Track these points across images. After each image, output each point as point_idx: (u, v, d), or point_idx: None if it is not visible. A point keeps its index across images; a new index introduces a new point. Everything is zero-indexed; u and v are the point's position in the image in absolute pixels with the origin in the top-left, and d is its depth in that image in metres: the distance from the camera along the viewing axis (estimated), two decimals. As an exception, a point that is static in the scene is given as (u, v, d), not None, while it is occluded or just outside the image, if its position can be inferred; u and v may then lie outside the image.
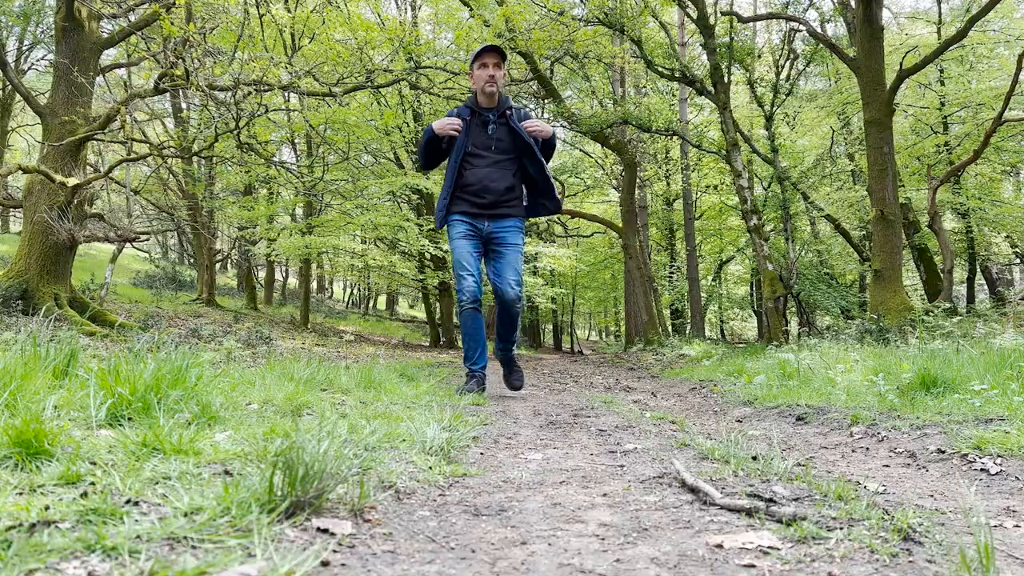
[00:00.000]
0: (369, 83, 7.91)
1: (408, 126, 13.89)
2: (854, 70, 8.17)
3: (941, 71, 13.15)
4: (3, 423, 1.29)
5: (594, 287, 23.00)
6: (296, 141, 15.09)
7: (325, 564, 0.88)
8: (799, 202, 13.37)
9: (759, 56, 14.88)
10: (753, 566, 0.93)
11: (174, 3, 6.16)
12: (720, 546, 1.01)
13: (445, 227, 3.80)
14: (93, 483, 1.11)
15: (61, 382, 2.05)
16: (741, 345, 12.33)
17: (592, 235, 21.08)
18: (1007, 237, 15.45)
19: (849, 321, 10.63)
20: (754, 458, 1.66)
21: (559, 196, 3.86)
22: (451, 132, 3.63)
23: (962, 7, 12.96)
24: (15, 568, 0.77)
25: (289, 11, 8.38)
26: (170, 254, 26.43)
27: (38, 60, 16.60)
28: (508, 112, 3.75)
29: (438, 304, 16.16)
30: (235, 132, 6.81)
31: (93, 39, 7.37)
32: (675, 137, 14.14)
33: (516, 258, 3.73)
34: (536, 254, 14.77)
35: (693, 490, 1.35)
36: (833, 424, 2.42)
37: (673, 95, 16.81)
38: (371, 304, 28.93)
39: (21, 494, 1.05)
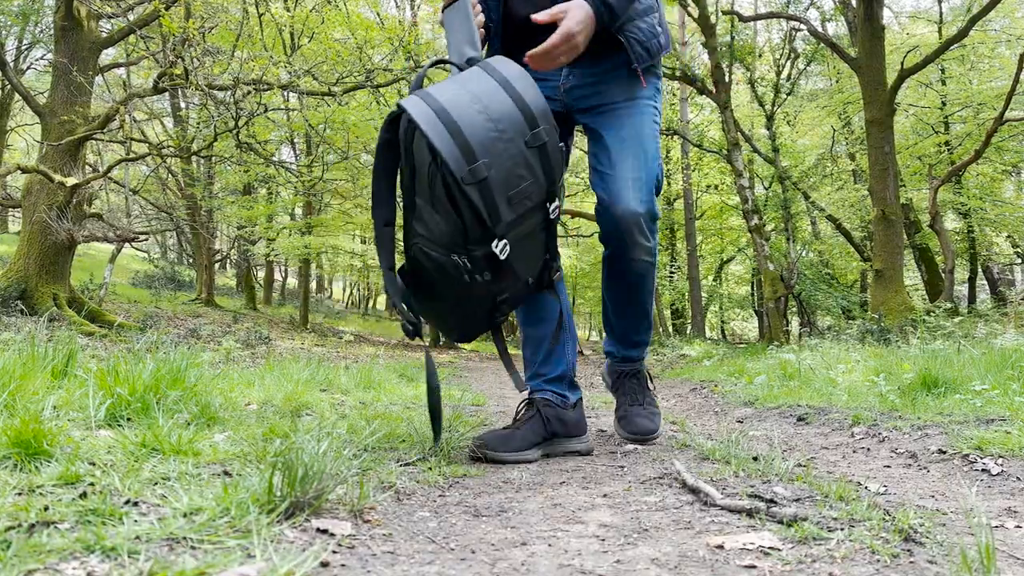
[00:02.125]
0: (368, 83, 7.91)
1: (408, 125, 13.87)
2: (855, 69, 8.17)
3: (942, 71, 13.16)
4: (2, 423, 1.28)
5: (594, 287, 22.99)
6: (295, 140, 15.09)
7: (325, 565, 0.88)
8: (800, 202, 13.37)
9: (760, 55, 14.89)
10: (754, 567, 0.93)
11: (174, 1, 6.16)
12: (721, 547, 1.01)
13: None
14: (92, 483, 1.11)
15: (60, 382, 2.05)
16: (742, 345, 12.33)
17: (592, 235, 21.04)
18: (1008, 237, 15.45)
19: (850, 321, 10.63)
20: (755, 459, 1.66)
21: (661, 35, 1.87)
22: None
23: (963, 6, 12.95)
24: (14, 568, 0.77)
25: (288, 10, 8.38)
26: (169, 254, 26.42)
27: (37, 60, 16.60)
28: None
29: (438, 304, 16.13)
30: (234, 131, 6.81)
31: (92, 38, 7.37)
32: (676, 136, 14.14)
33: (638, 133, 1.82)
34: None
35: (694, 491, 1.35)
36: (834, 424, 2.42)
37: (674, 94, 16.81)
38: (371, 304, 28.93)
39: (20, 494, 1.04)
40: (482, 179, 1.43)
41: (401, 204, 1.66)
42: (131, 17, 7.61)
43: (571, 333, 1.95)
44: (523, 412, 1.89)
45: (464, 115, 1.45)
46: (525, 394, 1.93)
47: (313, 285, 24.10)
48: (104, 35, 7.67)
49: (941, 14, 13.57)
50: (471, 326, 1.73)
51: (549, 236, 1.65)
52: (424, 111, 1.45)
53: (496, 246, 1.50)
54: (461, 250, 1.51)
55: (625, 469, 1.65)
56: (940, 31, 13.37)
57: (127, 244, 9.77)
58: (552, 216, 1.59)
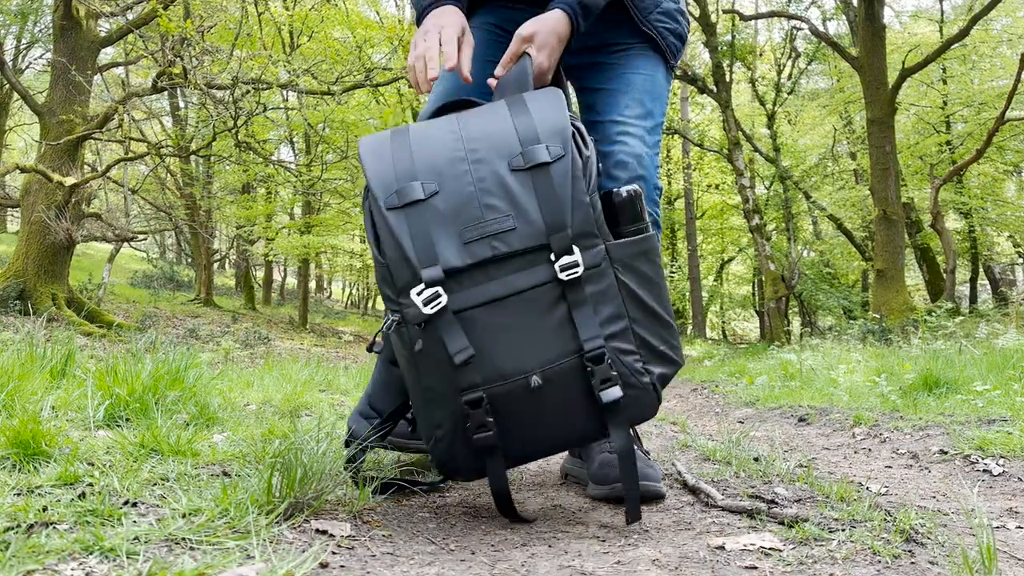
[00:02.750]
0: (368, 81, 7.91)
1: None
2: (856, 69, 8.17)
3: (943, 70, 13.16)
4: (1, 423, 1.28)
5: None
6: (294, 140, 15.08)
7: (324, 566, 0.88)
8: (801, 201, 13.37)
9: (761, 54, 14.89)
10: (755, 568, 0.92)
11: (172, 1, 6.15)
12: (722, 548, 1.01)
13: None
14: (91, 484, 1.11)
15: (59, 383, 2.04)
16: (743, 345, 12.33)
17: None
18: (1010, 237, 15.46)
19: (851, 321, 10.63)
20: (756, 459, 1.65)
21: None
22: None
23: (964, 6, 12.96)
24: (13, 569, 0.76)
25: (287, 9, 8.38)
26: (168, 254, 26.41)
27: (36, 59, 16.60)
28: None
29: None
30: (233, 131, 6.80)
31: (91, 38, 7.37)
32: (676, 136, 14.13)
33: (648, 87, 1.44)
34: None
35: (695, 491, 1.34)
36: (835, 425, 2.41)
37: (674, 94, 16.80)
38: (370, 304, 28.93)
39: (19, 495, 1.04)
40: (412, 202, 1.05)
41: None
42: (130, 16, 7.61)
43: None
44: None
45: (428, 135, 1.12)
46: None
47: (312, 285, 24.09)
48: (103, 34, 7.67)
49: (942, 13, 13.57)
50: (439, 439, 1.10)
51: (581, 319, 1.05)
52: (379, 136, 1.16)
53: (418, 296, 1.03)
54: (393, 303, 1.08)
55: (625, 469, 1.65)
56: (941, 30, 13.37)
57: (126, 244, 9.77)
58: (568, 278, 1.04)
